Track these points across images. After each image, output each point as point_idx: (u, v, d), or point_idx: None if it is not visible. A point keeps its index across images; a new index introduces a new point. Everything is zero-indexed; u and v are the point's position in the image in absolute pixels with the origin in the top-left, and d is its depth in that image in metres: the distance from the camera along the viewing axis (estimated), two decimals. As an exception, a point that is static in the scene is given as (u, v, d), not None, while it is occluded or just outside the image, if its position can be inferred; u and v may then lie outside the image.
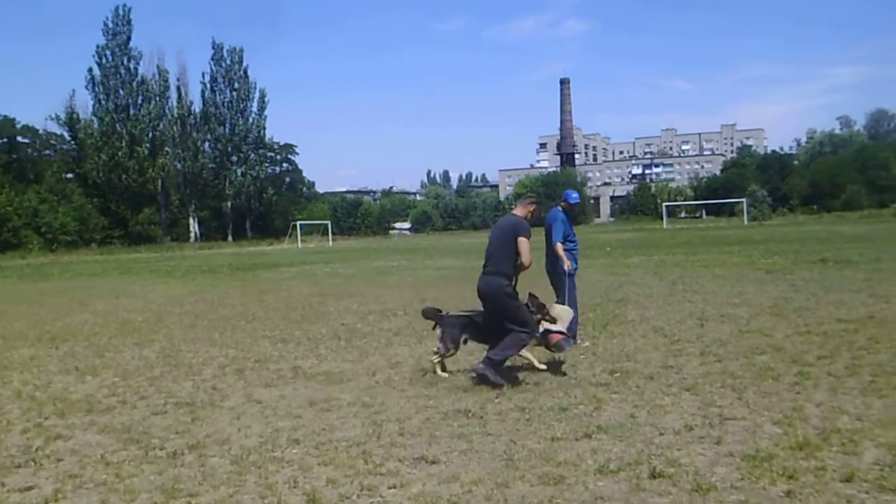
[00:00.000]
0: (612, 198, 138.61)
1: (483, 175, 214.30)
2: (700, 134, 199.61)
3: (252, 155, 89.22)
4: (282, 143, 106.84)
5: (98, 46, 77.96)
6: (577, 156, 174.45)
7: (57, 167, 77.86)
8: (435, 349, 7.92)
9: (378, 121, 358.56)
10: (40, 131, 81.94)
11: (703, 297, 13.52)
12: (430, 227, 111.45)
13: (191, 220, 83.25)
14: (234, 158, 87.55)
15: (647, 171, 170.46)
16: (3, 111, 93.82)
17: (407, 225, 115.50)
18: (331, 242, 75.85)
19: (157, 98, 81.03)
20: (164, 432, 6.10)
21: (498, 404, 6.50)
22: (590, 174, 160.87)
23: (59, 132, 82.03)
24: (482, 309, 7.83)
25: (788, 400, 6.19)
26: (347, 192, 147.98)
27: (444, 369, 7.85)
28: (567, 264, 9.11)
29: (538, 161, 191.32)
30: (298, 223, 76.69)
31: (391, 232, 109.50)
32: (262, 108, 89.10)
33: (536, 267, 8.10)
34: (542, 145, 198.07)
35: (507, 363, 7.67)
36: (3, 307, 17.99)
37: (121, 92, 78.29)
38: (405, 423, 6.03)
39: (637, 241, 42.42)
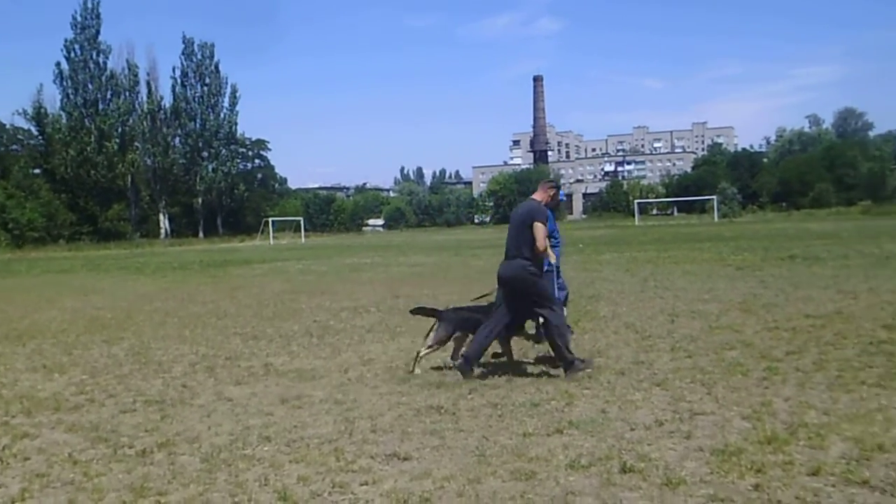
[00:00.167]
0: (584, 195, 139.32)
1: (457, 172, 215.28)
2: (672, 132, 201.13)
3: (223, 150, 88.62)
4: (254, 139, 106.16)
5: (66, 40, 77.08)
6: (550, 153, 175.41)
7: (24, 162, 76.53)
8: (429, 344, 7.88)
9: (351, 117, 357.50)
10: (7, 126, 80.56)
11: (673, 294, 13.62)
12: (404, 224, 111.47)
13: (161, 217, 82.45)
14: (205, 154, 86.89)
15: (620, 169, 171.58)
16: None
17: (380, 221, 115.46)
18: (303, 239, 75.52)
19: (127, 93, 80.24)
20: (133, 430, 6.03)
21: (470, 400, 6.50)
22: (563, 171, 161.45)
23: (26, 127, 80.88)
24: (477, 304, 7.81)
25: (757, 395, 6.26)
26: (320, 188, 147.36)
27: (415, 366, 7.83)
28: (552, 258, 8.93)
29: (511, 158, 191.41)
30: (270, 219, 76.27)
31: (364, 229, 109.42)
32: (233, 104, 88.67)
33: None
34: (516, 142, 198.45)
35: (482, 359, 7.71)
36: (-31, 304, 17.68)
37: (89, 86, 77.39)
38: (377, 420, 6.02)
39: (609, 237, 42.69)
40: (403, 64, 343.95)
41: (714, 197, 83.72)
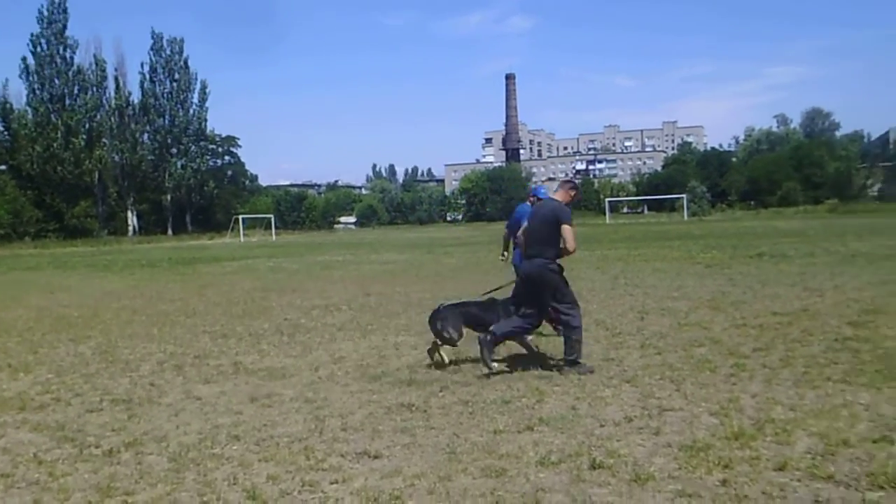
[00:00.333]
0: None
1: (429, 169, 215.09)
2: (642, 131, 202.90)
3: (193, 147, 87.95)
4: (223, 136, 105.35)
5: (33, 35, 76.02)
6: (522, 151, 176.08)
7: (-11, 158, 75.43)
8: (437, 342, 7.87)
9: (323, 114, 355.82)
10: (-29, 121, 79.25)
11: (643, 291, 13.73)
12: (376, 222, 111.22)
13: (129, 214, 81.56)
14: (174, 150, 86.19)
15: (591, 167, 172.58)
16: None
17: (352, 219, 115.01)
18: (274, 237, 75.02)
19: (94, 88, 79.26)
20: (100, 430, 5.95)
21: (442, 398, 6.50)
22: (535, 169, 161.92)
23: (-9, 123, 79.49)
24: (477, 299, 8.01)
25: (725, 391, 6.32)
26: (291, 185, 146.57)
27: (443, 360, 7.82)
28: None
29: (484, 156, 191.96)
30: (241, 217, 75.61)
31: (336, 226, 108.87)
32: (202, 100, 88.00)
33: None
34: (488, 140, 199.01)
35: (453, 354, 7.72)
36: (-69, 303, 17.34)
37: (56, 82, 76.38)
38: (348, 418, 5.99)
39: (580, 235, 42.42)
40: (375, 61, 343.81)
41: (684, 195, 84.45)
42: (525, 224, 8.03)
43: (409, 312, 12.11)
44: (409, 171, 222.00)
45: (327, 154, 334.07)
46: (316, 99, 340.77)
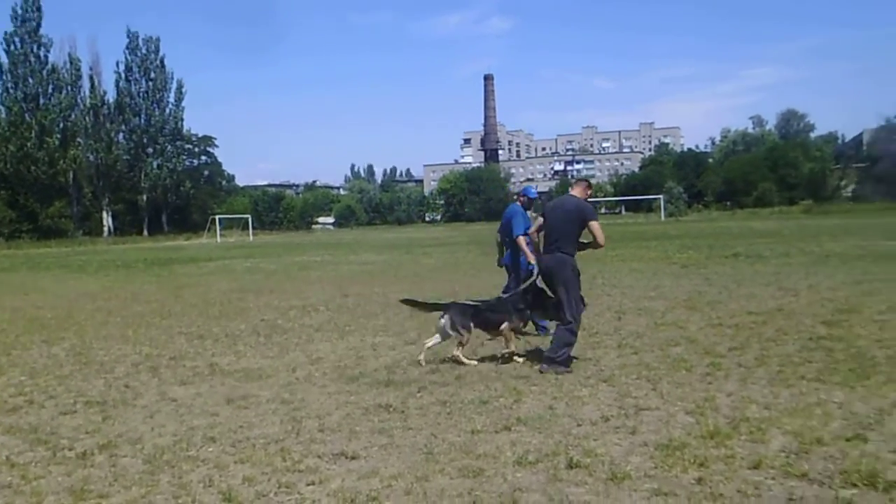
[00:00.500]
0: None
1: (408, 170, 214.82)
2: (620, 132, 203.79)
3: (169, 147, 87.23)
4: (200, 136, 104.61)
5: (6, 33, 75.10)
6: (500, 152, 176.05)
7: (-39, 158, 74.30)
8: (458, 343, 7.89)
9: (301, 114, 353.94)
10: (-56, 120, 78.10)
11: (621, 291, 13.80)
12: (354, 222, 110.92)
13: (104, 214, 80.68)
14: (150, 150, 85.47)
15: (569, 168, 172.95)
16: None
17: (330, 219, 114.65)
18: (251, 237, 74.68)
19: (69, 87, 78.39)
20: (74, 432, 5.88)
21: (419, 399, 6.49)
22: (513, 170, 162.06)
23: (-37, 121, 78.36)
24: (485, 299, 8.28)
25: (701, 390, 6.37)
26: (269, 185, 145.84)
27: (467, 357, 7.91)
28: (531, 258, 8.74)
29: (462, 157, 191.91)
30: (217, 217, 75.18)
31: (314, 227, 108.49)
32: (179, 99, 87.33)
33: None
34: (467, 141, 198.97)
35: (432, 356, 7.71)
36: None
37: (30, 80, 75.49)
38: (325, 419, 5.97)
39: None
40: (354, 61, 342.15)
41: (661, 196, 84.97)
42: (540, 219, 8.23)
43: (387, 313, 12.09)
44: (388, 171, 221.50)
45: (305, 154, 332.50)
46: (294, 99, 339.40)
